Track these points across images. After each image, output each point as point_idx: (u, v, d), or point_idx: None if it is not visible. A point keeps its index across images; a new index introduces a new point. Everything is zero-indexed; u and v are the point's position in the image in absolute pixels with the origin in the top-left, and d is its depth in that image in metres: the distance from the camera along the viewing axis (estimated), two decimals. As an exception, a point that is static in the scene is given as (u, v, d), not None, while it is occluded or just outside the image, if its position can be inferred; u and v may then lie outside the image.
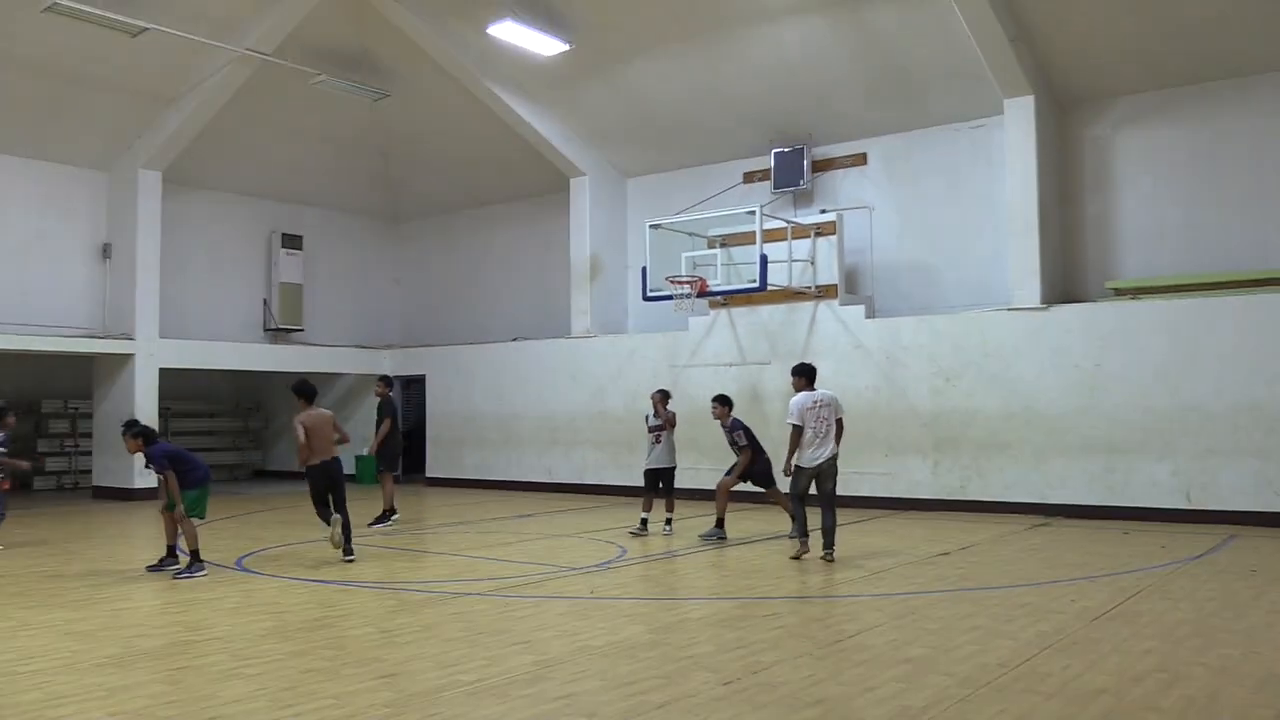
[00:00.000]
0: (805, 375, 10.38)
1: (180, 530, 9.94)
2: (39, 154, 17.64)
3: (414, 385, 22.13)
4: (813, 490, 10.29)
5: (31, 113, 16.76)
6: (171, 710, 5.32)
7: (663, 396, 12.71)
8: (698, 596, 8.74)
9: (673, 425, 12.52)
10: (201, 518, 10.04)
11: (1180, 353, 13.09)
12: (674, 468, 12.58)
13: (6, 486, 12.05)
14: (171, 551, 10.08)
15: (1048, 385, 13.94)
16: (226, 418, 22.91)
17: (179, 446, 10.37)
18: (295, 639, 6.97)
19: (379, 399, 14.01)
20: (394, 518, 13.65)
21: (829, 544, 10.14)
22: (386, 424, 13.63)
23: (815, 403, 10.09)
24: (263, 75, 17.31)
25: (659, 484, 12.53)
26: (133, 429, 9.99)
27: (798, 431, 10.03)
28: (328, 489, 10.63)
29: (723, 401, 12.16)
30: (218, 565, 10.23)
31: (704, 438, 15.63)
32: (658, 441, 12.47)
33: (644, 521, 12.47)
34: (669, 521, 12.59)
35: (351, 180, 21.56)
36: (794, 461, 10.12)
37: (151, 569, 9.88)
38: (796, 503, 10.40)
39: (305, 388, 10.83)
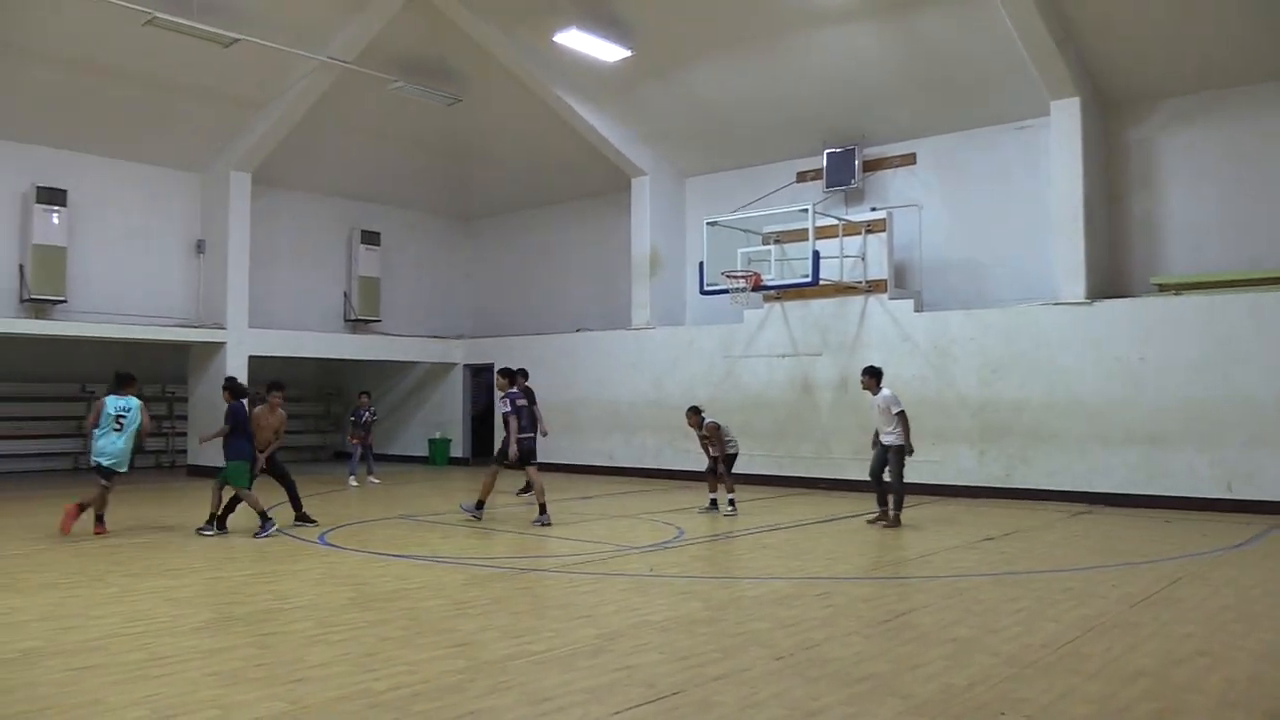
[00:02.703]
0: (879, 376, 11.62)
1: (220, 498, 10.88)
2: (138, 156, 18.07)
3: (483, 373, 22.33)
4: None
5: (132, 118, 17.17)
6: (262, 672, 5.46)
7: (693, 413, 12.75)
8: (752, 576, 8.75)
9: (712, 437, 12.52)
10: (247, 487, 10.89)
11: (1222, 347, 12.78)
12: (733, 455, 12.75)
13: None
14: (212, 520, 10.80)
15: (1092, 377, 13.70)
16: (310, 402, 23.31)
17: (248, 417, 11.08)
18: (374, 609, 7.08)
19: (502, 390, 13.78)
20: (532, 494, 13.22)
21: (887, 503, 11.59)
22: (513, 422, 13.08)
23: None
24: (344, 82, 17.56)
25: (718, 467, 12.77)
26: (227, 384, 11.34)
27: (905, 417, 11.31)
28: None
29: (695, 411, 12.77)
30: (303, 540, 10.45)
31: (757, 423, 15.60)
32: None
33: (713, 501, 12.78)
34: (731, 503, 12.70)
35: (426, 180, 21.78)
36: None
37: (202, 531, 10.73)
38: (903, 481, 11.47)
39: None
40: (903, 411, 11.35)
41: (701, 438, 12.81)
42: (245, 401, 11.30)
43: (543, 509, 11.86)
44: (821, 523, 12.02)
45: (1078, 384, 13.83)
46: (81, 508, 10.88)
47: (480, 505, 12.15)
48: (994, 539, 10.53)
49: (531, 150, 20.26)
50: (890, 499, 11.53)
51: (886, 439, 11.39)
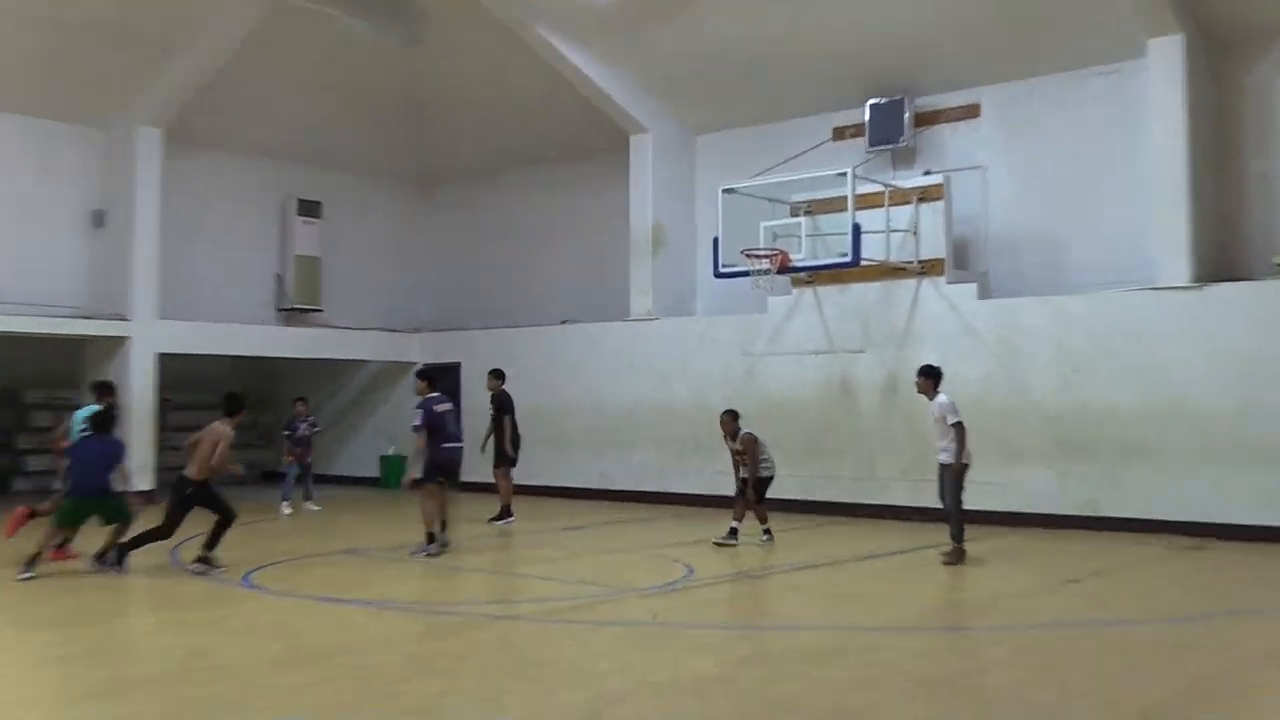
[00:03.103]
0: (937, 378, 11.74)
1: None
2: (21, 107, 17.88)
3: (446, 375, 22.23)
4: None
5: (14, 62, 17.06)
6: (167, 748, 5.35)
7: (731, 419, 12.87)
8: (779, 625, 8.66)
9: (747, 453, 12.62)
10: (72, 527, 10.82)
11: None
12: (767, 479, 12.77)
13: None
14: (35, 559, 10.43)
15: (1200, 378, 13.59)
16: (234, 411, 23.23)
17: (110, 446, 10.89)
18: (310, 667, 6.99)
19: (492, 393, 15.58)
20: (510, 519, 15.30)
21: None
22: (506, 420, 15.45)
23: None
24: (279, 18, 17.44)
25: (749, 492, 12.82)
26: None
27: (964, 427, 11.35)
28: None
29: (734, 416, 12.94)
30: (222, 581, 10.34)
31: (784, 436, 15.50)
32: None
33: (733, 530, 12.72)
34: (767, 532, 12.74)
35: (378, 139, 21.70)
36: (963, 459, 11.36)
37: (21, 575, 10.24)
38: (960, 505, 11.51)
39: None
40: (960, 423, 11.33)
41: (734, 452, 12.84)
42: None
43: (430, 538, 12.17)
44: (865, 559, 11.93)
45: (1182, 387, 13.72)
46: (33, 514, 11.47)
47: (431, 539, 12.20)
48: (1078, 580, 10.45)
49: (507, 102, 20.16)
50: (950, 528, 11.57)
51: (941, 456, 11.50)
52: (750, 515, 12.67)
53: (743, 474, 12.73)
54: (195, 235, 20.07)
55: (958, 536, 11.46)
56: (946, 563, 11.30)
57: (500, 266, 22.35)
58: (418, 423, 12.45)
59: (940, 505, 11.75)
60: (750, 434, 12.71)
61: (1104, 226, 15.38)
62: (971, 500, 14.54)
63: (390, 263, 23.00)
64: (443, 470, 12.60)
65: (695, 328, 18.13)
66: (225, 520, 10.87)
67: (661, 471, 18.19)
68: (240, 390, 12.57)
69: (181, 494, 10.77)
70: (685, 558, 11.89)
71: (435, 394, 12.79)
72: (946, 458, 11.39)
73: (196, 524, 10.88)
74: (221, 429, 10.87)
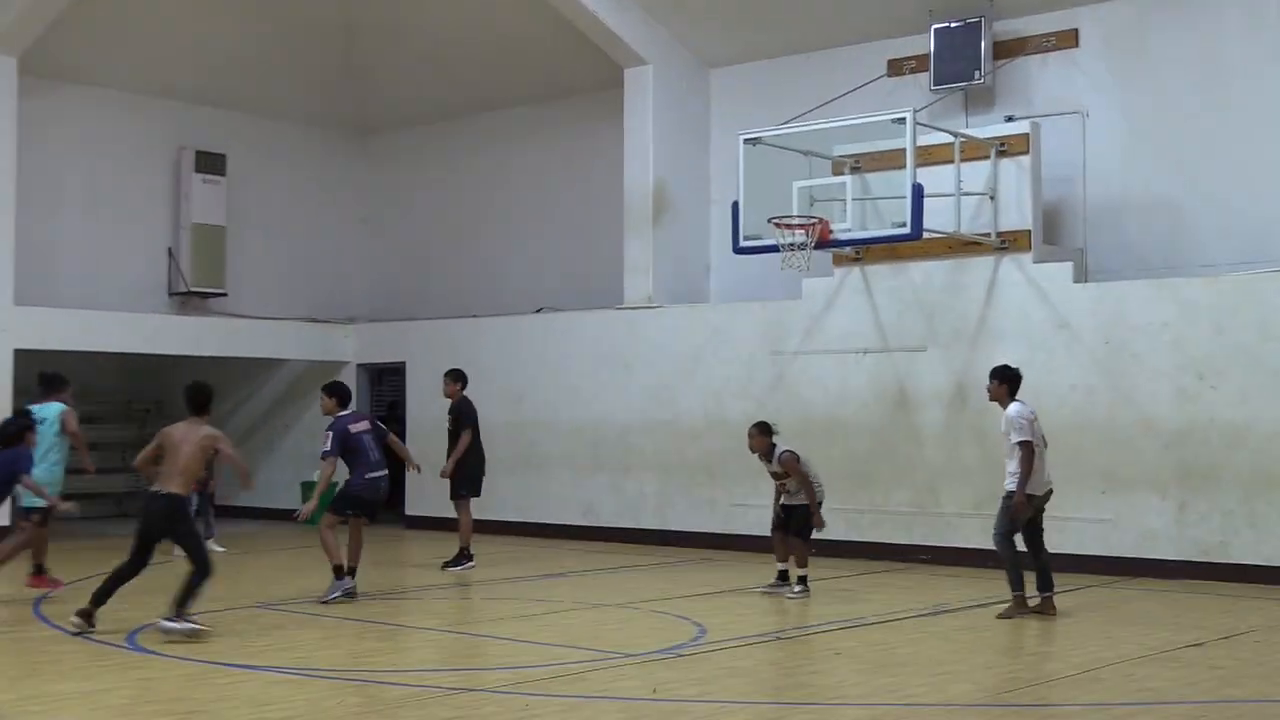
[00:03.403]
0: (1012, 382, 11.97)
1: None
2: None
3: (388, 378, 22.26)
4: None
5: None
6: None
7: (760, 432, 13.18)
8: (815, 700, 8.68)
9: (793, 475, 13.02)
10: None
11: None
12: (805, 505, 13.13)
13: None
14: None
15: (1358, 387, 13.69)
16: (114, 424, 23.17)
17: None
18: (213, 753, 7.03)
19: (451, 400, 15.89)
20: (469, 564, 15.30)
21: (1048, 584, 11.92)
22: (467, 435, 15.59)
23: (1035, 416, 11.87)
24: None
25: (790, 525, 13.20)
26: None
27: (1031, 450, 11.56)
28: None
29: (764, 431, 13.27)
30: (99, 640, 10.33)
31: (824, 458, 15.52)
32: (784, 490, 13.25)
33: (783, 574, 13.28)
34: (803, 580, 13.00)
35: (298, 74, 21.70)
36: (1026, 490, 11.65)
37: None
38: (1009, 545, 11.85)
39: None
40: (1026, 442, 11.65)
41: (776, 475, 13.12)
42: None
43: (339, 571, 12.61)
44: (927, 616, 11.95)
45: (1335, 398, 13.80)
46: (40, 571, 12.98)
47: (340, 572, 12.66)
48: (1202, 645, 10.44)
49: (466, 25, 20.17)
50: (1038, 576, 11.86)
51: (1006, 482, 11.86)
52: (793, 556, 13.03)
53: (786, 500, 13.12)
54: (61, 198, 20.08)
55: (1015, 583, 11.76)
56: (1001, 615, 11.73)
57: (456, 239, 22.33)
58: (328, 447, 12.73)
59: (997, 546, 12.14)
60: (791, 452, 12.95)
61: (1239, 192, 15.41)
62: (1065, 540, 14.65)
63: (316, 235, 23.01)
64: (357, 504, 12.97)
65: (709, 318, 18.18)
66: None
67: (664, 504, 18.21)
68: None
69: (183, 515, 10.99)
70: (696, 614, 11.90)
71: (347, 412, 13.20)
72: (1011, 484, 11.72)
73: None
74: (203, 430, 11.07)
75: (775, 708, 8.57)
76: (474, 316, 20.87)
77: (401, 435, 21.14)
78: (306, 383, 22.33)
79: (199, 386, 11.44)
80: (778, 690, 9.20)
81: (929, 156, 15.15)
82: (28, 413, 13.00)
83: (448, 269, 22.42)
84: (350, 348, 22.05)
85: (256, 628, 11.27)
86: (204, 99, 21.47)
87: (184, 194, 21.15)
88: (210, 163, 21.33)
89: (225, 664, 9.56)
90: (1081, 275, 15.52)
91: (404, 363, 21.22)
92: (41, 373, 14.14)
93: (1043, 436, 11.95)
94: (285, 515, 22.07)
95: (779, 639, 10.95)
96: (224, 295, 21.38)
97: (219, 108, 21.72)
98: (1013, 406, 11.78)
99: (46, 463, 12.89)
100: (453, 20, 20.19)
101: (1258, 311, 14.28)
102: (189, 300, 21.12)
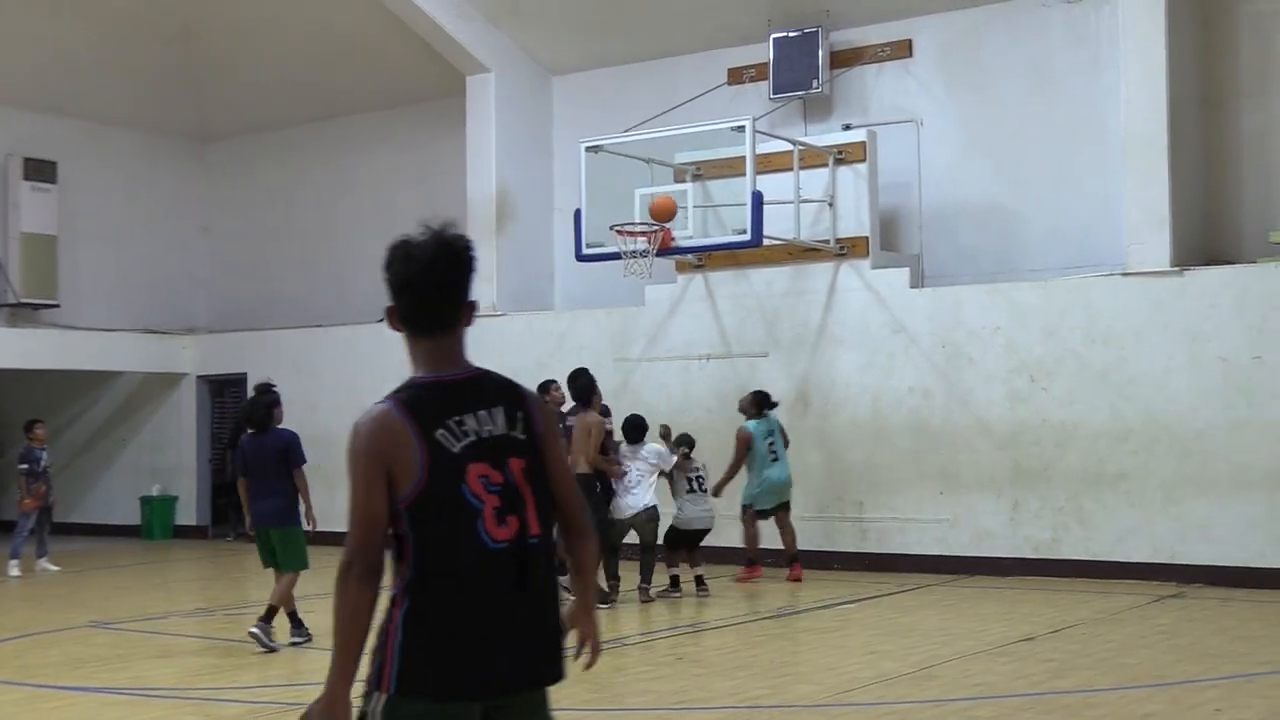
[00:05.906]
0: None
1: None
2: None
3: (230, 390, 21.89)
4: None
5: None
6: None
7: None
8: (655, 706, 8.69)
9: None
10: None
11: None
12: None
13: None
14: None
15: (1183, 388, 13.96)
16: (-60, 441, 22.60)
17: None
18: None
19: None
20: None
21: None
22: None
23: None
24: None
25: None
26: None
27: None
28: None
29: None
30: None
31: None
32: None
33: (675, 580, 13.81)
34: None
35: (134, 78, 21.29)
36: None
37: None
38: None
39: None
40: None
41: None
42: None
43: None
44: (769, 619, 12.09)
45: (1160, 399, 14.07)
46: None
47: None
48: (1033, 639, 10.63)
49: (307, 31, 19.95)
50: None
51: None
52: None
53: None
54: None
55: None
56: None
57: (299, 248, 22.05)
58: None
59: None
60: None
61: (1065, 197, 15.67)
62: (904, 542, 14.86)
63: (153, 244, 22.59)
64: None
65: (553, 326, 18.19)
66: None
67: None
68: None
69: None
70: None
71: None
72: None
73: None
74: None
75: (617, 714, 8.56)
76: (317, 326, 20.63)
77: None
78: (143, 396, 21.91)
79: None
80: (617, 697, 9.17)
81: (769, 164, 15.25)
82: None
83: (290, 278, 22.12)
84: (189, 359, 21.66)
85: (92, 648, 11.06)
86: (33, 103, 20.96)
87: (12, 202, 20.61)
88: (40, 170, 20.82)
89: (56, 686, 9.37)
90: (918, 281, 15.73)
91: (245, 374, 20.88)
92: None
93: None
94: (124, 531, 21.69)
95: (622, 645, 10.90)
96: (56, 306, 20.88)
97: (49, 113, 21.22)
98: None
99: None
100: (293, 26, 19.96)
101: (1085, 314, 14.56)
102: (19, 312, 20.59)
